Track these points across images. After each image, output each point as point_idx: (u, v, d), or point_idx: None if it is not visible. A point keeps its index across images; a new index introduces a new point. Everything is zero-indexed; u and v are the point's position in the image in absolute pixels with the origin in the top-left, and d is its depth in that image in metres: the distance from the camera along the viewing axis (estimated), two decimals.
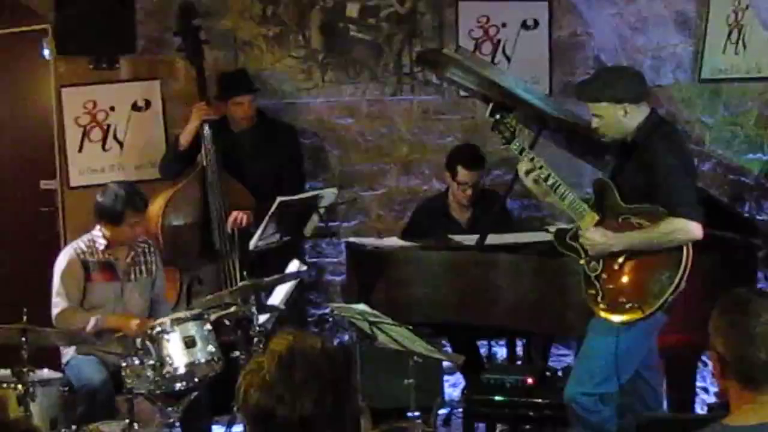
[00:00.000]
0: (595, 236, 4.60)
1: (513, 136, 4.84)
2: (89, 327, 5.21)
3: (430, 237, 6.13)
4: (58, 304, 5.36)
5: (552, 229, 5.51)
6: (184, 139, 6.23)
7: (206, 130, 6.19)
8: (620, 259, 4.54)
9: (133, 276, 5.54)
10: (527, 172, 4.78)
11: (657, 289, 4.41)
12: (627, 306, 4.47)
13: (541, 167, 4.75)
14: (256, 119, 6.42)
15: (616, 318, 4.50)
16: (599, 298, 4.57)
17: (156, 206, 6.10)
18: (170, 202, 6.16)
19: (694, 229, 4.39)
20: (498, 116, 4.88)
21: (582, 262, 4.66)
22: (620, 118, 4.59)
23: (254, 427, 2.39)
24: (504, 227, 5.95)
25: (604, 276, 4.58)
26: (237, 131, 6.40)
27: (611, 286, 4.55)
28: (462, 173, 6.22)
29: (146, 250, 5.63)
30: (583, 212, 4.67)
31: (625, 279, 4.53)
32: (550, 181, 4.73)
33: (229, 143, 6.31)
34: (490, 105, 5.00)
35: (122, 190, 5.43)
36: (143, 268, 5.59)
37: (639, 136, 4.60)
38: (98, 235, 5.48)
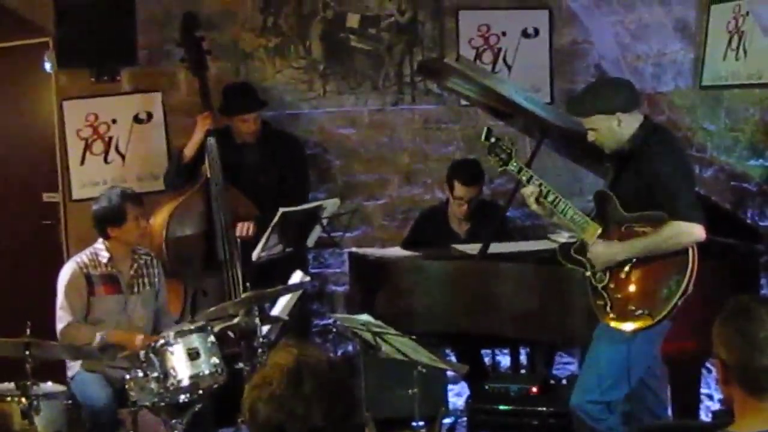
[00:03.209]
0: (599, 249, 4.60)
1: (510, 158, 4.85)
2: (94, 343, 5.21)
3: (431, 246, 6.13)
4: (62, 319, 5.36)
5: (554, 237, 5.51)
6: (189, 151, 6.23)
7: (211, 141, 6.19)
8: (626, 268, 4.55)
9: (136, 288, 5.53)
10: (531, 194, 4.78)
11: (665, 294, 4.41)
12: (637, 313, 4.47)
13: (540, 185, 4.76)
14: (261, 131, 6.40)
15: (627, 326, 4.49)
16: (608, 308, 4.57)
17: (160, 218, 6.11)
18: (174, 214, 6.15)
19: (696, 231, 4.39)
20: (493, 139, 4.90)
21: (588, 273, 4.66)
22: (615, 128, 4.60)
23: None
24: (503, 240, 5.93)
25: (611, 286, 4.59)
26: (241, 142, 6.39)
27: (619, 296, 4.55)
28: (459, 189, 6.21)
29: (148, 263, 5.62)
30: (585, 225, 4.67)
31: (632, 287, 4.53)
32: (550, 198, 4.74)
33: (234, 154, 6.30)
34: (485, 129, 5.00)
35: (114, 190, 5.47)
36: (146, 280, 5.58)
37: (635, 144, 4.61)
38: (101, 248, 5.47)
